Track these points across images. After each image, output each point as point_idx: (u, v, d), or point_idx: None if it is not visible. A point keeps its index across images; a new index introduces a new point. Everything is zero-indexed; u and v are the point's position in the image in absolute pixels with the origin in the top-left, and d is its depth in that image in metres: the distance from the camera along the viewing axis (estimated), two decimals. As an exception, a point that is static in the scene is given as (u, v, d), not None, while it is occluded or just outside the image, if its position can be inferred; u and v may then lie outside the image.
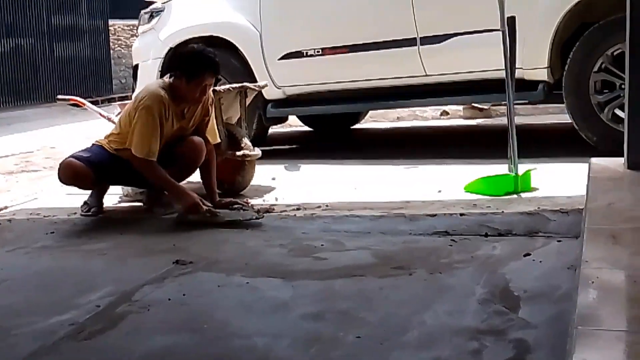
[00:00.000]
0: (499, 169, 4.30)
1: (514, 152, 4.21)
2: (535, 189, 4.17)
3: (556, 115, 6.97)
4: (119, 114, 4.89)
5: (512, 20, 4.18)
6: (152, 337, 2.47)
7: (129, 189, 4.59)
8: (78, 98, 5.58)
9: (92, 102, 5.99)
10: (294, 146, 7.00)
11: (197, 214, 3.89)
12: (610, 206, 2.96)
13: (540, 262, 2.96)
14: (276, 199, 4.40)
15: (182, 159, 4.14)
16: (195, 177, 4.30)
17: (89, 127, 8.22)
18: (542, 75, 5.18)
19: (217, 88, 4.40)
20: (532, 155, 4.62)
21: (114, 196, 4.56)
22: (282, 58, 5.87)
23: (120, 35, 17.07)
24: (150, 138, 3.94)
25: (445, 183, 4.47)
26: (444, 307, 2.56)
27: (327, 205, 4.12)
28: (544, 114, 7.41)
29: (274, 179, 4.99)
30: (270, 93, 5.86)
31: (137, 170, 4.01)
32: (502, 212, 3.70)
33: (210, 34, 5.97)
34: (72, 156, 4.11)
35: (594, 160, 3.83)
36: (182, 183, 4.20)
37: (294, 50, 5.83)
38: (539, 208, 3.68)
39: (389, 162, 5.38)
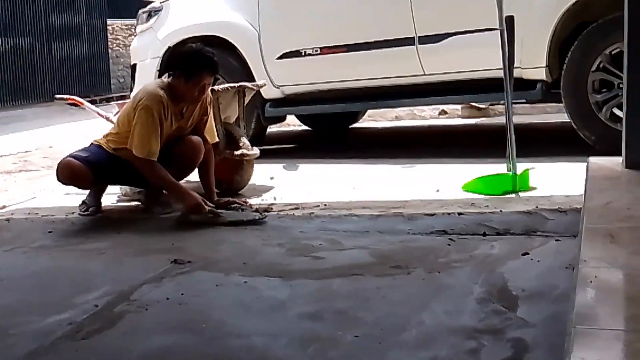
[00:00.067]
0: (497, 168, 4.30)
1: (512, 151, 4.21)
2: (533, 188, 4.17)
3: (554, 114, 6.97)
4: (117, 113, 4.89)
5: (510, 20, 4.18)
6: (150, 337, 2.47)
7: (127, 188, 4.59)
8: (76, 97, 5.58)
9: (90, 102, 5.99)
10: (292, 145, 7.00)
11: (199, 214, 3.89)
12: (609, 205, 2.96)
13: (539, 261, 2.96)
14: (274, 199, 4.40)
15: (181, 158, 4.13)
16: (194, 176, 4.29)
17: (87, 127, 8.21)
18: (541, 74, 5.18)
19: (215, 87, 4.40)
20: (531, 154, 4.62)
21: (112, 196, 4.56)
22: (281, 57, 5.87)
23: (119, 35, 17.06)
24: (150, 138, 3.94)
25: (443, 182, 4.47)
26: (442, 306, 2.56)
27: (325, 205, 4.12)
28: (542, 113, 7.41)
29: (272, 178, 4.99)
30: (268, 92, 5.86)
31: (139, 170, 4.01)
32: (501, 211, 3.70)
33: (208, 33, 5.97)
34: (70, 156, 4.11)
35: (592, 159, 3.83)
36: (181, 182, 4.19)
37: (292, 50, 5.83)
38: (537, 207, 3.69)
39: (387, 162, 5.38)
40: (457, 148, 5.99)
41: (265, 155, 4.89)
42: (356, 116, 7.51)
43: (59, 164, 4.11)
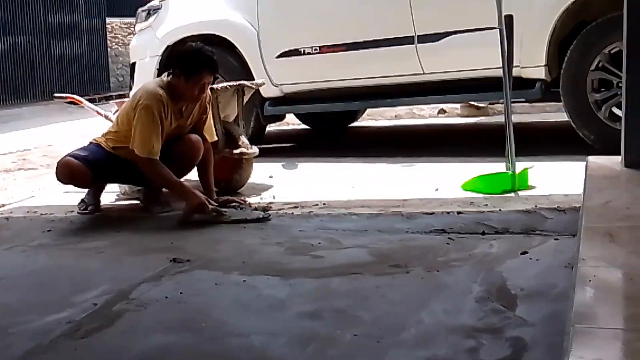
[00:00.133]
0: (497, 167, 4.30)
1: (512, 150, 4.21)
2: (532, 187, 4.17)
3: (553, 113, 6.97)
4: (116, 111, 4.89)
5: (509, 19, 4.18)
6: (149, 336, 2.47)
7: (126, 187, 4.59)
8: (75, 96, 5.58)
9: (90, 100, 5.99)
10: (291, 144, 7.00)
11: (203, 213, 3.89)
12: (607, 204, 2.96)
13: (537, 260, 2.96)
14: (274, 197, 4.40)
15: (180, 157, 4.13)
16: (193, 175, 4.29)
17: (86, 125, 8.22)
18: (540, 73, 5.18)
19: (214, 86, 4.40)
20: (530, 153, 4.62)
21: (111, 194, 4.56)
22: (280, 56, 5.87)
23: (118, 33, 17.05)
24: (152, 137, 3.94)
25: (442, 181, 4.47)
26: (441, 305, 2.56)
27: (324, 204, 4.12)
28: (541, 112, 7.41)
29: (271, 177, 4.99)
30: (267, 91, 5.86)
31: (142, 170, 4.01)
32: (500, 210, 3.70)
33: (207, 32, 5.97)
34: (69, 155, 4.11)
35: (591, 158, 3.83)
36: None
37: (291, 49, 5.83)
38: (536, 206, 3.69)
39: (386, 160, 5.38)
40: (456, 147, 5.98)
41: (264, 154, 4.89)
42: (355, 115, 7.51)
43: (58, 163, 4.11)
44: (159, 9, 6.39)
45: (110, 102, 7.01)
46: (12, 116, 11.31)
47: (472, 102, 7.58)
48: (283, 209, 4.06)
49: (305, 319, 2.52)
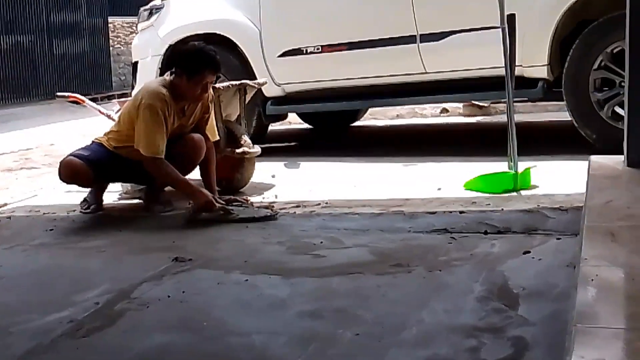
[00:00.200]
0: (499, 166, 4.30)
1: (514, 149, 4.21)
2: (534, 187, 4.17)
3: (555, 113, 6.96)
4: (118, 111, 4.89)
5: (511, 18, 4.18)
6: (150, 335, 2.47)
7: (128, 186, 4.59)
8: (77, 95, 5.59)
9: (92, 99, 5.98)
10: (293, 144, 7.00)
11: (210, 211, 3.89)
12: (609, 204, 2.96)
13: (539, 259, 2.96)
14: (275, 197, 4.40)
15: (182, 156, 4.13)
16: (195, 174, 4.29)
17: (88, 125, 8.23)
18: (542, 72, 5.17)
19: (216, 85, 4.40)
20: (532, 153, 4.62)
21: (113, 194, 4.56)
22: (282, 55, 5.86)
23: (120, 33, 17.06)
24: (157, 136, 3.94)
25: (444, 181, 4.46)
26: (442, 304, 2.55)
27: (326, 203, 4.12)
28: (543, 112, 7.41)
29: (273, 176, 4.99)
30: (269, 90, 5.85)
31: (147, 170, 4.01)
32: (501, 209, 3.70)
33: (209, 31, 5.97)
34: (71, 154, 4.11)
35: (593, 158, 3.82)
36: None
37: (293, 48, 5.82)
38: (538, 206, 3.68)
39: (388, 160, 5.38)
40: (458, 146, 5.98)
41: (266, 154, 4.89)
42: (357, 114, 7.50)
43: (60, 162, 4.12)
44: (161, 8, 6.39)
45: (113, 101, 7.03)
46: (14, 115, 11.32)
47: (475, 102, 7.57)
48: (285, 208, 4.06)
49: (306, 319, 2.52)
